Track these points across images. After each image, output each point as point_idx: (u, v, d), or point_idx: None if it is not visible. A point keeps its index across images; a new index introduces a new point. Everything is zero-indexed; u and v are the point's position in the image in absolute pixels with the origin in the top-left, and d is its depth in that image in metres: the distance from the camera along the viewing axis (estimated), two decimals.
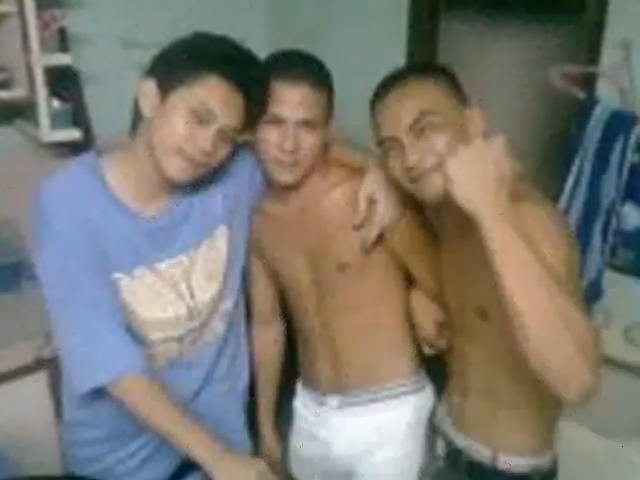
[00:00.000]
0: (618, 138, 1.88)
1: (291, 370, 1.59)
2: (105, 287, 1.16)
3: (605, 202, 1.93)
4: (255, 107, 1.17)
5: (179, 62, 1.12)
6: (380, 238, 1.30)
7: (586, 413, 1.68)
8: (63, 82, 2.03)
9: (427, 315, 1.37)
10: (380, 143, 1.17)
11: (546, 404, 1.18)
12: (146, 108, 1.13)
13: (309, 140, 1.22)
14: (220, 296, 1.33)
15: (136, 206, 1.19)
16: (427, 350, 1.41)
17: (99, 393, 1.15)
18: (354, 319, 1.38)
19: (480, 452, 1.25)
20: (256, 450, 1.59)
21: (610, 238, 1.95)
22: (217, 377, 1.40)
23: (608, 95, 1.93)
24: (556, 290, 0.88)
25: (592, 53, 1.94)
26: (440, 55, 2.45)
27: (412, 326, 1.41)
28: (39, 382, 1.81)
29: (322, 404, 1.48)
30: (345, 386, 1.43)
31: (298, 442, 1.57)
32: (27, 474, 1.38)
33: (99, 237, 1.15)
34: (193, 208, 1.27)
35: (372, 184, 1.26)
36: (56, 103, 1.99)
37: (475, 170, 0.93)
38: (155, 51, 1.16)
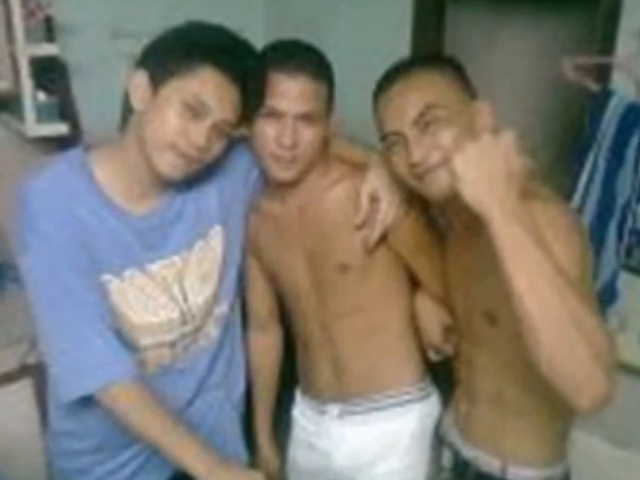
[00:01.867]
0: (634, 132, 1.88)
1: (289, 377, 1.59)
2: (94, 290, 1.16)
3: (620, 200, 1.93)
4: (252, 100, 1.17)
5: (172, 53, 1.12)
6: (383, 238, 1.30)
7: (599, 422, 1.68)
8: (49, 74, 2.03)
9: (433, 319, 1.37)
10: (383, 138, 1.17)
11: (557, 412, 1.18)
12: (137, 101, 1.13)
13: (308, 135, 1.22)
14: (215, 299, 1.33)
15: (126, 204, 1.19)
16: (433, 356, 1.41)
17: (87, 401, 1.15)
18: (356, 323, 1.38)
19: (488, 463, 1.25)
20: (253, 461, 1.60)
21: (625, 238, 1.95)
22: (212, 384, 1.40)
23: (623, 87, 1.93)
24: (568, 292, 0.88)
25: (607, 43, 1.95)
26: (447, 45, 2.46)
27: (417, 331, 1.41)
28: (24, 390, 1.81)
29: (322, 413, 1.48)
30: (346, 394, 1.43)
31: (297, 453, 1.57)
32: None
33: (87, 237, 1.15)
34: (186, 207, 1.27)
35: (375, 181, 1.27)
36: (42, 96, 2.00)
37: (483, 167, 0.94)
38: (146, 41, 1.16)
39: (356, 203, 1.27)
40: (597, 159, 1.95)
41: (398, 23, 2.40)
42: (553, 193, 1.11)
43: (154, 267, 1.23)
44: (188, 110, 1.10)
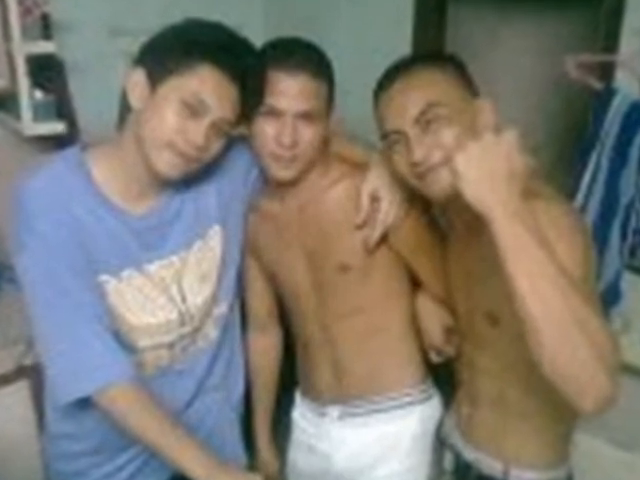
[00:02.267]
0: (638, 131, 1.88)
1: (289, 379, 1.59)
2: (91, 291, 1.16)
3: (624, 199, 1.93)
4: (251, 98, 1.17)
5: (170, 50, 1.12)
6: (384, 238, 1.30)
7: (602, 424, 1.68)
8: (46, 72, 2.03)
9: (434, 320, 1.37)
10: (384, 137, 1.17)
11: (560, 414, 1.18)
12: (135, 99, 1.13)
13: (308, 133, 1.22)
14: (214, 300, 1.33)
15: (124, 204, 1.19)
16: (434, 357, 1.41)
17: (85, 403, 1.15)
18: (356, 324, 1.38)
19: (490, 466, 1.25)
20: (252, 464, 1.60)
21: (629, 238, 1.95)
22: (210, 386, 1.40)
23: (627, 85, 1.93)
24: (571, 292, 0.88)
25: (610, 41, 1.95)
26: (448, 43, 2.46)
27: (418, 332, 1.41)
28: (20, 391, 1.81)
29: (322, 415, 1.48)
30: (346, 396, 1.43)
31: (297, 455, 1.57)
32: None
33: (84, 237, 1.15)
34: (185, 206, 1.27)
35: (375, 180, 1.26)
36: (39, 94, 1.99)
37: (485, 166, 0.94)
38: (144, 38, 1.17)
39: (356, 203, 1.27)
40: (600, 158, 1.95)
41: (399, 20, 2.40)
42: (556, 193, 1.11)
43: (152, 267, 1.23)
44: (186, 109, 1.10)
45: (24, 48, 1.89)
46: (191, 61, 1.10)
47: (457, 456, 1.34)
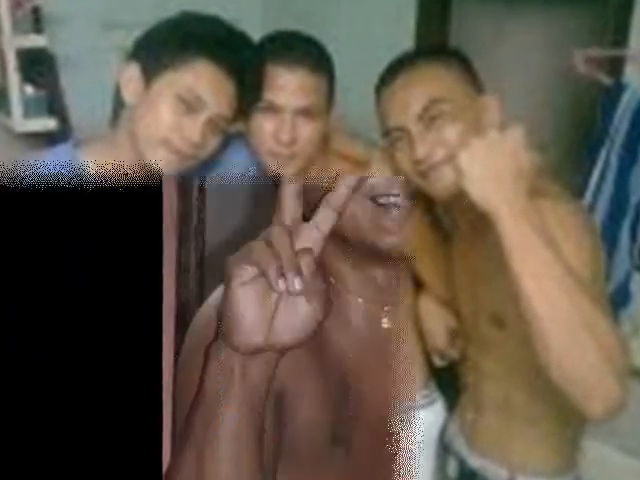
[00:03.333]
0: None
1: None
2: None
3: (634, 198, 1.94)
4: (248, 94, 1.17)
5: (165, 45, 1.12)
6: None
7: (612, 430, 1.68)
8: (37, 66, 2.03)
9: (437, 322, 1.37)
10: (386, 134, 1.17)
11: (568, 419, 1.18)
12: (129, 95, 1.13)
13: (308, 130, 1.22)
14: None
15: None
16: (437, 361, 1.41)
17: None
18: None
19: (496, 473, 1.25)
20: None
21: (639, 238, 1.95)
22: None
23: (637, 80, 1.93)
24: (579, 293, 0.88)
25: (619, 35, 1.95)
26: (452, 37, 2.46)
27: (420, 334, 1.41)
28: None
29: None
30: None
31: None
32: None
33: None
34: None
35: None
36: (29, 90, 2.00)
37: (490, 164, 0.94)
38: (138, 32, 1.17)
39: None
40: (609, 155, 1.95)
41: (401, 14, 2.40)
42: (563, 191, 1.11)
43: None
44: (182, 104, 1.10)
45: (14, 42, 1.90)
46: (186, 55, 1.10)
47: (461, 463, 1.34)
